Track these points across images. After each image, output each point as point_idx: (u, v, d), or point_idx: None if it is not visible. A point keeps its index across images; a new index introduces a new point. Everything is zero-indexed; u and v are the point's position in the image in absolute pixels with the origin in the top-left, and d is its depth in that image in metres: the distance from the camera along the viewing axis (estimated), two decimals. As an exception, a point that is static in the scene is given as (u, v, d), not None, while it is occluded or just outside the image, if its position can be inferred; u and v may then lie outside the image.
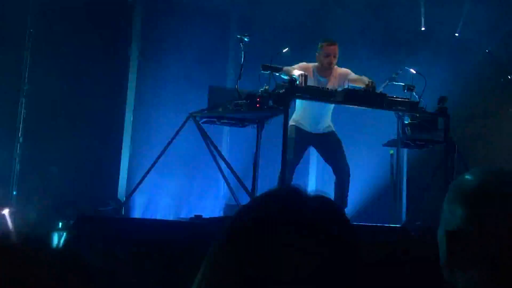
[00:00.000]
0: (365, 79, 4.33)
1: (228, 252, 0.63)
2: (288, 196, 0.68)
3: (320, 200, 0.68)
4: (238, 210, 0.68)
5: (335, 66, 4.50)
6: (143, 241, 2.82)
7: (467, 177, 0.97)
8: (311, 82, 4.15)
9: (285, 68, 4.18)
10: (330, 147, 4.57)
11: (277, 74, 4.08)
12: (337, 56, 4.42)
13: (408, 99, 4.29)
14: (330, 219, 0.66)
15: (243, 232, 0.64)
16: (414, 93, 4.33)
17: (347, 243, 0.65)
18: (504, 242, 0.88)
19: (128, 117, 6.97)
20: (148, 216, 6.17)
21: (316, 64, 4.47)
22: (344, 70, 4.54)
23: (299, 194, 0.68)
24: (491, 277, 0.88)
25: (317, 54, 4.47)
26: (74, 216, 3.03)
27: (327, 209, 0.68)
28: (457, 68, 7.18)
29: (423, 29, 7.49)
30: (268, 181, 4.97)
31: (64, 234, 3.99)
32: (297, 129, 4.45)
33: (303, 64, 4.46)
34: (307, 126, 4.49)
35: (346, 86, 4.36)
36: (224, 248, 0.64)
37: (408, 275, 2.96)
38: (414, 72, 4.61)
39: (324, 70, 4.45)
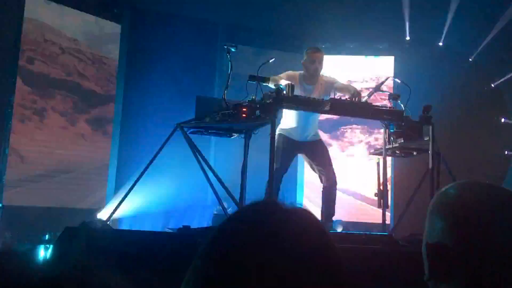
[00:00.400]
0: (351, 88, 4.39)
1: (206, 269, 0.64)
2: (266, 211, 0.69)
3: (298, 213, 0.70)
4: (216, 229, 0.69)
5: (321, 74, 4.56)
6: (131, 253, 2.81)
7: (448, 190, 0.99)
8: (297, 90, 4.19)
9: (272, 77, 4.22)
10: (317, 156, 4.61)
11: (264, 84, 4.10)
12: (322, 63, 4.50)
13: (393, 108, 4.35)
14: (309, 232, 0.67)
15: (221, 253, 0.64)
16: (399, 102, 4.39)
17: (325, 256, 0.66)
18: (481, 255, 0.89)
19: (116, 128, 6.95)
20: (136, 227, 6.14)
21: (302, 72, 4.54)
22: (330, 78, 4.60)
23: (277, 208, 0.69)
24: None
25: (303, 61, 4.54)
26: (61, 228, 3.01)
27: (306, 222, 0.69)
28: (441, 77, 7.29)
29: (407, 38, 7.60)
30: (256, 190, 4.98)
31: (51, 246, 3.95)
32: (284, 137, 4.50)
33: (290, 72, 4.52)
34: (294, 135, 4.53)
35: (332, 94, 4.42)
36: (203, 265, 0.65)
37: (395, 284, 2.98)
38: (399, 81, 4.67)
39: (311, 78, 4.51)
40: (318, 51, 4.54)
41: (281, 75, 4.42)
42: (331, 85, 4.51)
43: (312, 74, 4.50)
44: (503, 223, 0.89)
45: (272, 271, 0.61)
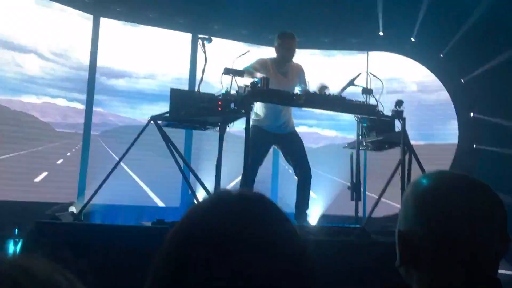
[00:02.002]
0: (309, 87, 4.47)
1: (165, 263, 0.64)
2: (216, 201, 0.69)
3: (257, 200, 0.69)
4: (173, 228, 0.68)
5: (291, 61, 4.58)
6: (103, 247, 2.77)
7: (421, 180, 1.01)
8: (269, 74, 4.20)
9: (246, 69, 4.18)
10: (292, 147, 4.62)
11: (240, 77, 4.08)
12: (295, 49, 4.52)
13: (365, 102, 4.40)
14: (269, 219, 0.66)
15: (178, 247, 0.64)
16: (372, 96, 4.44)
17: (288, 243, 0.65)
18: (449, 243, 0.92)
19: (88, 119, 6.82)
20: (108, 221, 6.06)
21: (273, 57, 4.54)
22: (299, 66, 4.64)
23: (233, 197, 0.69)
24: (441, 277, 0.92)
25: (275, 47, 4.53)
26: (31, 222, 2.94)
27: (265, 210, 0.68)
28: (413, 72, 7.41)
29: (381, 33, 7.69)
30: (231, 183, 4.97)
31: (20, 241, 3.87)
32: (259, 129, 4.47)
33: (260, 59, 4.50)
34: (268, 126, 4.52)
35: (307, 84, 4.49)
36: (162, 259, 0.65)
37: (367, 275, 3.03)
38: (373, 75, 4.73)
39: (283, 63, 4.52)
40: (291, 37, 4.52)
41: (253, 63, 4.39)
42: (300, 73, 4.59)
43: (285, 59, 4.51)
44: (471, 211, 0.92)
45: (232, 260, 0.60)
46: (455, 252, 0.91)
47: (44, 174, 6.43)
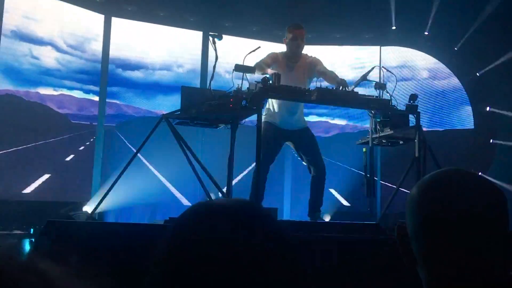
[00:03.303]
0: (334, 76, 4.31)
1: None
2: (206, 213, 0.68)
3: (242, 210, 0.68)
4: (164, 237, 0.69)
5: (305, 54, 4.51)
6: (116, 246, 2.77)
7: (425, 179, 0.97)
8: (280, 70, 4.15)
9: (257, 65, 4.13)
10: (305, 144, 4.56)
11: (251, 74, 4.04)
12: (304, 40, 4.45)
13: (378, 97, 4.33)
14: (254, 228, 0.66)
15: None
16: (386, 91, 4.38)
17: (275, 248, 0.65)
18: (445, 244, 0.88)
19: (100, 120, 6.87)
20: (122, 220, 6.09)
21: (285, 51, 4.49)
22: (313, 58, 4.54)
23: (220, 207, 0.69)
24: (439, 277, 0.88)
25: (284, 39, 4.48)
26: (44, 221, 2.95)
27: (253, 218, 0.67)
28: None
29: (393, 27, 7.60)
30: (243, 181, 4.94)
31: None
32: (270, 125, 4.41)
33: (272, 54, 4.45)
34: (279, 123, 4.47)
35: (315, 77, 4.40)
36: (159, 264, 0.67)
37: (381, 273, 2.98)
38: (386, 70, 4.66)
39: (294, 56, 4.46)
40: (299, 27, 4.44)
41: (264, 58, 4.33)
42: (314, 66, 4.46)
43: (294, 51, 4.44)
44: (466, 210, 0.87)
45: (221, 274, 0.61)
46: (448, 250, 0.87)
47: (63, 164, 6.48)
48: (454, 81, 7.57)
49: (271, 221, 0.68)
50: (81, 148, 6.82)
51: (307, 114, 5.03)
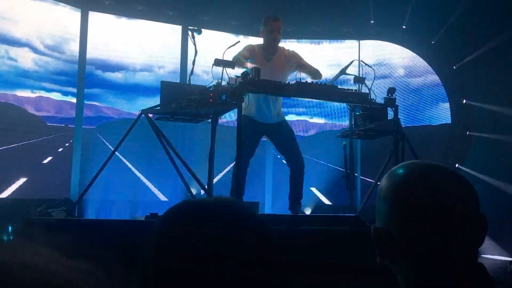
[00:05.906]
0: (314, 70, 4.38)
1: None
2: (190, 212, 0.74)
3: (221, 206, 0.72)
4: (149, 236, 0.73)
5: (282, 47, 4.53)
6: (96, 242, 2.75)
7: (393, 172, 0.97)
8: (257, 63, 4.15)
9: (236, 59, 4.12)
10: (283, 137, 4.57)
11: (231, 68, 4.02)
12: (281, 32, 4.45)
13: (357, 90, 4.38)
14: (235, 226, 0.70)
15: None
16: (365, 85, 4.42)
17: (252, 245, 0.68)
18: (420, 238, 0.88)
19: (78, 122, 6.75)
20: (102, 216, 6.03)
21: (262, 44, 4.49)
22: (291, 52, 4.56)
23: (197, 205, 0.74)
24: (417, 271, 0.89)
25: (261, 31, 4.49)
26: (21, 219, 2.91)
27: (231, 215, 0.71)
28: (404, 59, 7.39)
29: (372, 22, 7.65)
30: (226, 178, 4.94)
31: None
32: (248, 119, 4.39)
33: (249, 46, 4.45)
34: (257, 116, 4.47)
35: (294, 69, 4.42)
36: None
37: (362, 265, 3.02)
38: (364, 64, 4.71)
39: (270, 48, 4.47)
40: (276, 19, 4.45)
41: (242, 51, 4.31)
42: (293, 59, 4.48)
43: (271, 44, 4.45)
44: (441, 205, 0.88)
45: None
46: (427, 249, 0.88)
47: (40, 166, 6.38)
48: (431, 77, 7.67)
49: (252, 217, 0.73)
50: (60, 150, 6.71)
51: (286, 114, 5.03)
